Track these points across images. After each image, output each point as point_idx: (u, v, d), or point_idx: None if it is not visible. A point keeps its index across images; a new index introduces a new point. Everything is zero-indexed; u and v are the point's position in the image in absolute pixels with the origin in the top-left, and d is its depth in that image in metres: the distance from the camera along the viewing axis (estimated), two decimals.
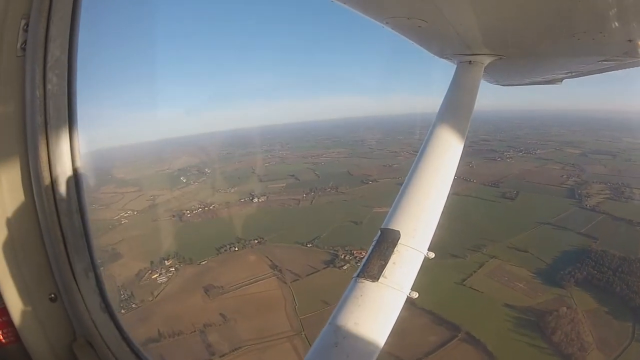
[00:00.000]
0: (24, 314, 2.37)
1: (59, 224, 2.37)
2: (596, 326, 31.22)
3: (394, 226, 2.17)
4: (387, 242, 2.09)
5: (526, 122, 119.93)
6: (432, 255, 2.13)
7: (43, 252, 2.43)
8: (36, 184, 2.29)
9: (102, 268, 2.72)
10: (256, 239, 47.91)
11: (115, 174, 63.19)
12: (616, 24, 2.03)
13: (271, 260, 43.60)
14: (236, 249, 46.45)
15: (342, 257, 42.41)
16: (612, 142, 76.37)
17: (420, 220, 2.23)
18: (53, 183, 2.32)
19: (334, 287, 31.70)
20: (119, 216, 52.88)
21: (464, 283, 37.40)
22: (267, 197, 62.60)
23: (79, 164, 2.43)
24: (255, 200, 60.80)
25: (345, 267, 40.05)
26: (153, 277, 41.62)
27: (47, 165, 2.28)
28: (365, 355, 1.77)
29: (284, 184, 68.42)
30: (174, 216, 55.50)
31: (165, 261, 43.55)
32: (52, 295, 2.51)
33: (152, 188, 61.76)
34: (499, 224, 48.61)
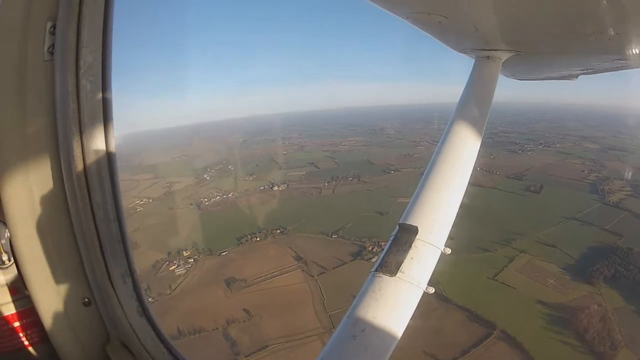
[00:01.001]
0: (55, 316, 2.38)
1: (96, 231, 2.34)
2: (624, 324, 30.85)
3: (412, 221, 2.20)
4: (405, 237, 2.11)
5: (540, 116, 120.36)
6: (448, 251, 2.16)
7: (77, 257, 2.42)
8: (70, 190, 2.24)
9: None
10: (278, 229, 46.79)
11: (130, 161, 62.25)
12: (634, 24, 2.02)
13: (295, 252, 42.44)
14: (257, 239, 45.35)
15: (370, 248, 41.45)
16: (631, 139, 75.93)
17: (438, 216, 2.25)
18: (89, 189, 2.25)
19: (363, 280, 30.16)
20: (133, 204, 51.91)
21: (496, 278, 37.00)
22: (288, 185, 61.58)
23: (115, 169, 2.36)
24: (275, 188, 59.64)
25: (374, 260, 38.67)
26: (170, 268, 40.41)
27: (83, 172, 2.19)
28: (382, 348, 1.79)
29: (304, 172, 67.73)
30: (191, 204, 54.41)
31: (183, 252, 42.32)
32: (86, 300, 2.51)
33: (168, 175, 61.06)
34: (526, 217, 48.08)
